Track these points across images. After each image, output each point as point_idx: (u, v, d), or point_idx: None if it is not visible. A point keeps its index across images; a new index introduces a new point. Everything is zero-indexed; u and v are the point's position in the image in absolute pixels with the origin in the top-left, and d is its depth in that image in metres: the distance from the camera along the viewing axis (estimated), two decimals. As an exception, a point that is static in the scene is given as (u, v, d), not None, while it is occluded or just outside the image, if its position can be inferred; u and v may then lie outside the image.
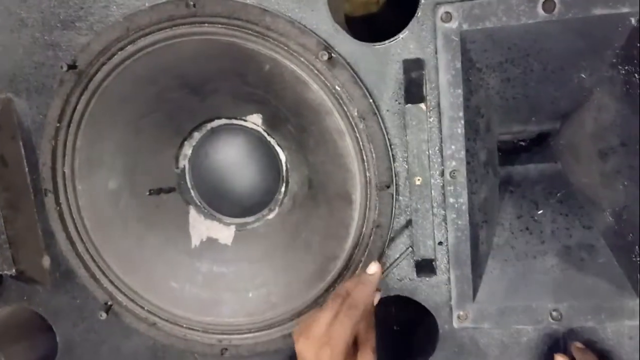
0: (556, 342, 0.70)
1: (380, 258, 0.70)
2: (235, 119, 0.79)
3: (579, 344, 0.67)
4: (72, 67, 0.70)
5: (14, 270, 0.74)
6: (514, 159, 0.80)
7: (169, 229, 0.81)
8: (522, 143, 0.81)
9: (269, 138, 0.79)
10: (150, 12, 0.68)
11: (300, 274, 0.76)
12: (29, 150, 0.77)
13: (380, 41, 0.66)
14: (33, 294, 0.82)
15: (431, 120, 0.66)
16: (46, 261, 0.80)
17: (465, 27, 0.63)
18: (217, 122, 0.80)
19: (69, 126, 0.73)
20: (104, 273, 0.78)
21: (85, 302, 0.81)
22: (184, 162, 0.82)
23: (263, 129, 0.79)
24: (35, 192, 0.78)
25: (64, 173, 0.75)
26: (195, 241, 0.82)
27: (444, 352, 0.73)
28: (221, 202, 0.83)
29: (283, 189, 0.81)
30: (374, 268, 0.63)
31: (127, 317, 0.79)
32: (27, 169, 0.77)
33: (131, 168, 0.79)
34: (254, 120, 0.78)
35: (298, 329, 0.62)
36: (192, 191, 0.83)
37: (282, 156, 0.79)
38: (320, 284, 0.74)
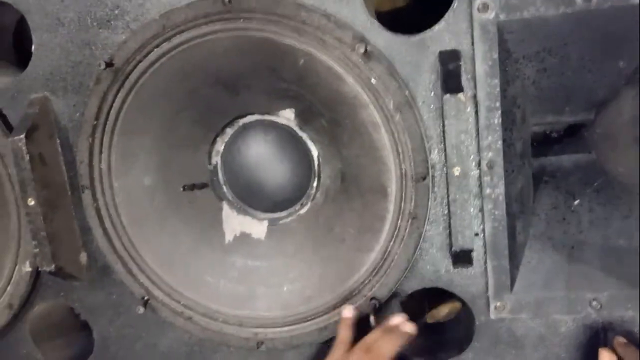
0: (595, 333, 0.70)
1: (415, 251, 0.71)
2: (268, 114, 0.80)
3: (621, 339, 0.67)
4: (109, 65, 0.71)
5: (53, 267, 0.75)
6: (547, 150, 0.80)
7: (203, 224, 0.82)
8: (554, 135, 0.81)
9: (300, 133, 0.80)
10: (186, 9, 0.68)
11: (335, 267, 0.77)
12: (66, 149, 0.78)
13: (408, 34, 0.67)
14: (70, 291, 0.83)
15: (467, 110, 0.66)
16: (83, 257, 0.81)
17: (502, 17, 0.63)
18: (249, 118, 0.81)
19: (105, 124, 0.74)
20: (140, 268, 0.79)
21: (121, 298, 0.82)
22: (216, 159, 0.83)
23: (295, 124, 0.79)
24: (72, 190, 0.79)
25: (100, 170, 0.76)
26: (228, 236, 0.83)
27: (480, 343, 0.73)
28: (253, 197, 0.83)
29: (315, 183, 0.81)
30: (397, 319, 0.68)
31: (163, 312, 0.80)
32: (64, 167, 0.78)
33: (165, 164, 0.79)
34: (287, 116, 0.79)
35: None
36: (224, 187, 0.84)
37: (314, 151, 0.80)
38: (355, 277, 0.74)
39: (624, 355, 0.65)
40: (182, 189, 0.81)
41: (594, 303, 0.68)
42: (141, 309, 0.78)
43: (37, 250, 0.75)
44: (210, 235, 0.82)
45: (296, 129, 0.79)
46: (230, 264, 0.81)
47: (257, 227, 0.83)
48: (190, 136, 0.80)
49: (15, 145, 0.72)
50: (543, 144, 0.81)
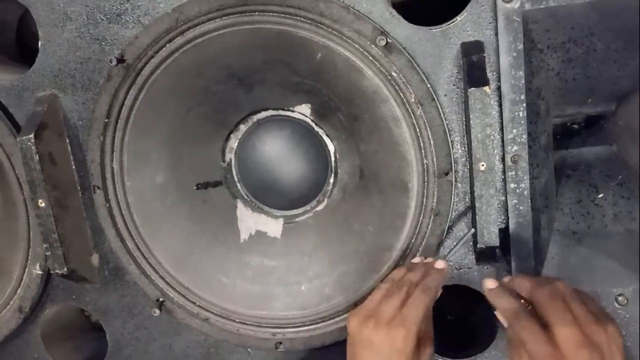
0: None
1: (438, 248, 0.69)
2: (282, 109, 0.78)
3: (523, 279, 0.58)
4: (120, 61, 0.69)
5: (65, 269, 0.73)
6: (567, 142, 0.78)
7: (217, 223, 0.80)
8: (575, 126, 0.80)
9: (317, 128, 0.78)
10: (199, 2, 0.66)
11: (354, 265, 0.75)
12: (76, 147, 0.76)
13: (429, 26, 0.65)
14: (81, 293, 0.81)
15: (492, 104, 0.64)
16: (95, 259, 0.79)
17: (527, 6, 0.61)
18: (263, 114, 0.79)
19: (117, 121, 0.72)
20: (154, 269, 0.77)
21: (135, 299, 0.80)
22: (230, 155, 0.81)
23: (311, 119, 0.77)
24: (82, 190, 0.77)
25: (112, 169, 0.74)
26: (243, 235, 0.81)
27: (503, 341, 0.72)
28: (268, 194, 0.81)
29: (332, 179, 0.79)
30: (442, 264, 0.63)
31: (179, 314, 0.78)
32: (74, 167, 0.76)
33: (178, 162, 0.78)
34: (302, 111, 0.77)
35: (358, 315, 0.59)
36: (238, 184, 0.82)
37: (331, 146, 0.78)
38: (376, 275, 0.73)
39: (535, 299, 0.55)
40: (195, 187, 0.79)
41: (620, 298, 0.67)
42: (157, 311, 0.76)
43: (49, 252, 0.73)
44: (225, 234, 0.80)
45: (312, 124, 0.78)
46: (245, 263, 0.79)
47: (272, 225, 0.81)
48: (203, 133, 0.78)
49: (25, 145, 0.70)
50: (563, 136, 0.79)
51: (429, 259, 0.66)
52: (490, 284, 0.59)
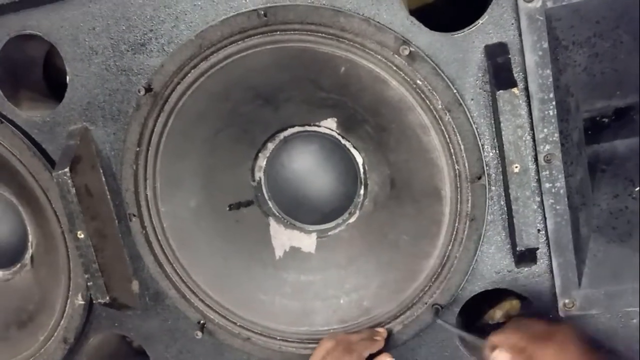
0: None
1: (475, 253, 0.69)
2: (309, 125, 0.78)
3: None
4: (148, 90, 0.70)
5: (107, 298, 0.75)
6: (598, 136, 0.77)
7: (252, 242, 0.81)
8: (605, 120, 0.79)
9: (343, 141, 0.78)
10: (221, 26, 0.67)
11: (392, 275, 0.75)
12: (109, 177, 0.77)
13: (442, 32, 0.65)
14: (124, 320, 0.83)
15: (522, 105, 0.64)
16: (135, 285, 0.80)
17: (549, 4, 0.60)
18: (290, 131, 0.79)
19: (148, 149, 0.74)
20: (194, 292, 0.78)
21: (176, 323, 0.81)
22: (259, 174, 0.82)
23: (337, 133, 0.78)
24: (119, 218, 0.78)
25: (146, 196, 0.75)
26: (278, 252, 0.81)
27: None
28: (300, 210, 0.82)
29: (362, 191, 0.79)
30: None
31: (220, 335, 0.79)
32: (109, 196, 0.77)
33: (210, 185, 0.79)
34: (328, 125, 0.77)
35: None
36: (269, 202, 0.82)
37: (359, 158, 0.78)
38: (414, 284, 0.72)
39: None
40: (228, 208, 0.80)
41: (666, 292, 0.65)
42: (199, 334, 0.77)
43: (90, 282, 0.74)
44: (260, 252, 0.81)
45: (339, 137, 0.78)
46: (283, 280, 0.79)
47: (306, 240, 0.82)
48: (232, 154, 0.79)
49: (61, 179, 0.72)
50: (593, 130, 0.78)
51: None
52: None
